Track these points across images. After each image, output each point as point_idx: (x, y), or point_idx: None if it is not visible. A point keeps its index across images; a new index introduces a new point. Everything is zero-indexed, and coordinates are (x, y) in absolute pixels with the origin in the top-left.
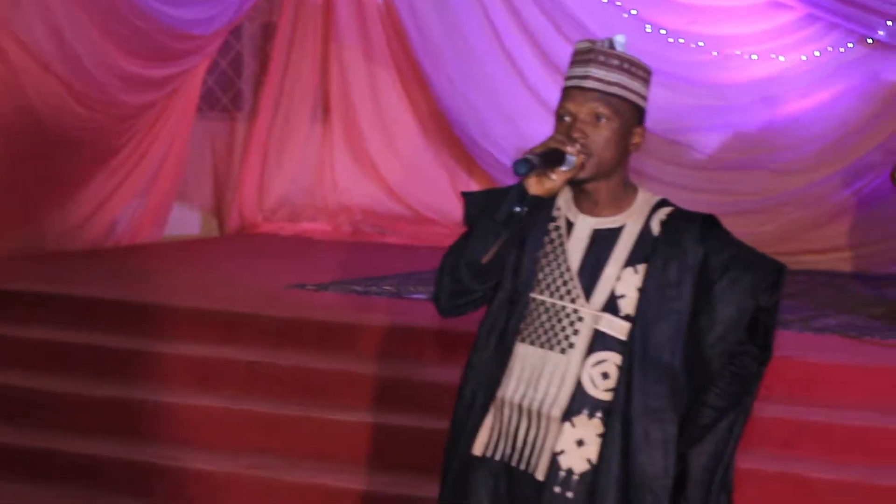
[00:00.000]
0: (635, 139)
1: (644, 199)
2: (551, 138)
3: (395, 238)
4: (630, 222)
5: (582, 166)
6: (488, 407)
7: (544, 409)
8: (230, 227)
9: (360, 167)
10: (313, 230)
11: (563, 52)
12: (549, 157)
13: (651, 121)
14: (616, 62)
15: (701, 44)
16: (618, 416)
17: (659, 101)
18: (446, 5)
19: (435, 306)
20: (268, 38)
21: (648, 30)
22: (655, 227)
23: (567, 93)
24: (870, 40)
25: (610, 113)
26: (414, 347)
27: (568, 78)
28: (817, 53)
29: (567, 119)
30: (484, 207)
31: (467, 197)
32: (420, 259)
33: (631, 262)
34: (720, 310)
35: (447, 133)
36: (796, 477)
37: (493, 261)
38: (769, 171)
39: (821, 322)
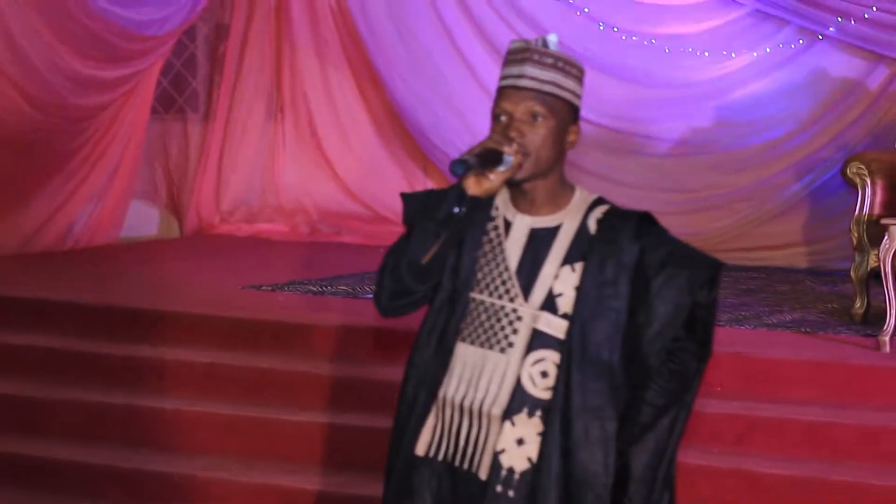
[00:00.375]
0: (571, 137)
1: (581, 198)
2: (488, 138)
3: (351, 237)
4: (567, 221)
5: (519, 166)
6: (430, 406)
7: (485, 409)
8: (187, 229)
9: (316, 167)
10: (270, 231)
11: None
12: (487, 158)
13: (604, 118)
14: (551, 61)
15: (653, 41)
16: (557, 414)
17: (612, 99)
18: (397, 4)
19: (375, 305)
20: (221, 38)
21: (601, 27)
22: (592, 226)
23: (502, 92)
24: (820, 37)
25: (546, 112)
26: (369, 347)
27: (503, 78)
28: (768, 50)
29: (503, 118)
30: (423, 208)
31: (406, 198)
32: (376, 258)
33: (568, 260)
34: (657, 307)
35: (402, 131)
36: (749, 472)
37: (432, 261)
38: (721, 167)
39: (775, 318)
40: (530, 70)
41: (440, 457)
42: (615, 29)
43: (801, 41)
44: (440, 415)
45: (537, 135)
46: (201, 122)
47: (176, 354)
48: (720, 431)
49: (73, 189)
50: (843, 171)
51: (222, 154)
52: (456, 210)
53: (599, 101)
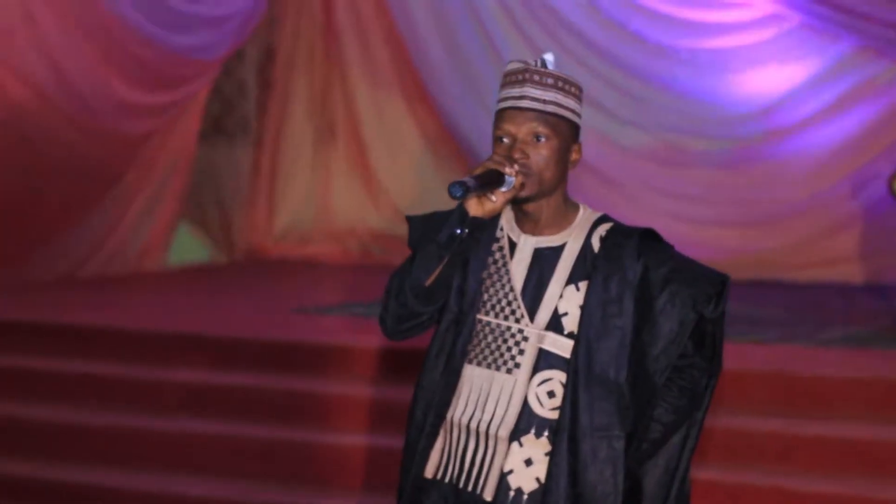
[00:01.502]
0: (573, 156)
1: (585, 216)
2: (490, 159)
3: (402, 260)
4: (571, 240)
5: (522, 186)
6: (439, 428)
7: (492, 430)
8: (238, 253)
9: (367, 189)
10: (322, 253)
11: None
12: (487, 179)
13: (657, 131)
14: (551, 81)
15: (706, 57)
16: (564, 434)
17: (663, 113)
18: (447, 26)
19: (381, 329)
20: (271, 61)
21: (650, 46)
22: (596, 244)
23: (503, 114)
24: (874, 50)
25: (549, 132)
26: (413, 370)
27: (503, 99)
28: (821, 63)
29: (506, 140)
30: (426, 230)
31: (410, 220)
32: None
33: (572, 279)
34: (661, 325)
35: (454, 153)
36: (791, 490)
37: (436, 283)
38: (774, 182)
39: (825, 334)
40: (531, 91)
41: (446, 479)
42: (663, 45)
43: (854, 54)
44: (448, 437)
45: (541, 155)
46: (252, 145)
47: (218, 378)
48: (763, 449)
49: (119, 214)
50: (890, 185)
51: (273, 177)
52: (458, 231)
53: (651, 115)
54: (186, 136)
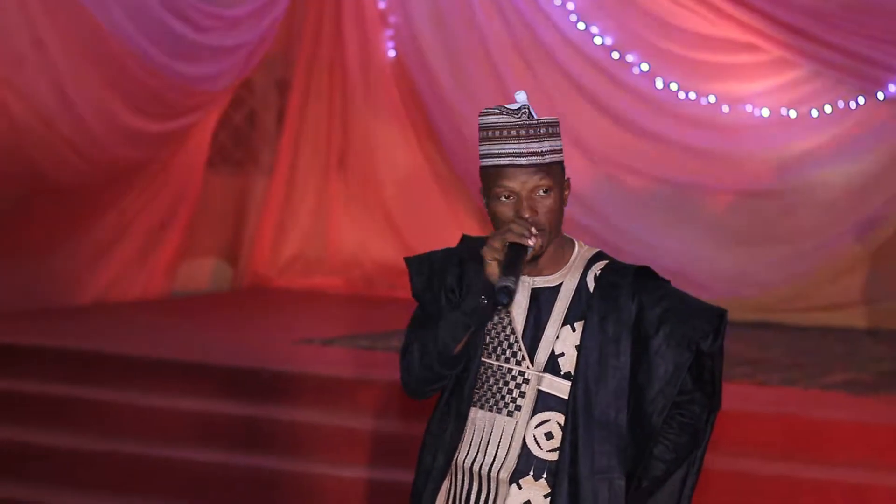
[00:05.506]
0: (566, 192)
1: (580, 254)
2: (508, 230)
3: (407, 293)
4: (567, 279)
5: (540, 247)
6: (446, 473)
7: (493, 472)
8: (244, 282)
9: (374, 221)
10: (326, 285)
11: (577, 109)
12: (515, 258)
13: (662, 176)
14: (544, 130)
15: (712, 99)
16: (564, 475)
17: (669, 156)
18: (455, 59)
19: (405, 389)
20: (281, 93)
21: (660, 85)
22: (591, 283)
23: (501, 171)
24: (881, 95)
25: (552, 183)
26: (416, 403)
27: (496, 155)
28: (828, 108)
29: (510, 198)
30: (429, 276)
31: (409, 263)
32: None
33: (568, 319)
34: (657, 366)
35: (461, 186)
36: None
37: (463, 349)
38: (780, 225)
39: (828, 378)
40: (529, 146)
41: None
42: (673, 86)
43: (860, 98)
44: (453, 480)
45: (547, 208)
46: (260, 175)
47: (221, 407)
48: (765, 492)
49: (117, 241)
50: None
51: (280, 208)
52: (484, 300)
53: (655, 158)
54: (193, 165)
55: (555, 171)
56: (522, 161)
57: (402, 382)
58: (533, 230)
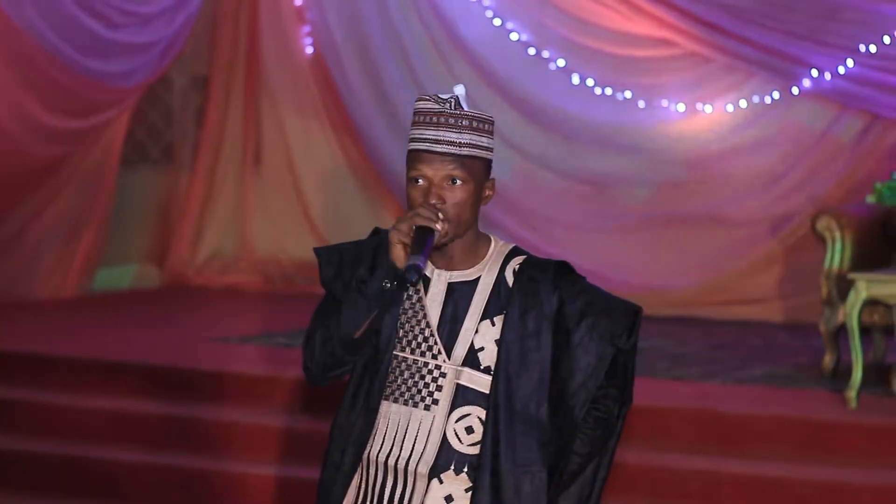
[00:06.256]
0: (487, 192)
1: (497, 249)
2: (416, 214)
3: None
4: (485, 273)
5: (445, 234)
6: (356, 467)
7: (411, 466)
8: (162, 280)
9: (291, 218)
10: (244, 282)
11: (494, 105)
12: (422, 240)
13: (578, 171)
14: (466, 122)
15: (628, 94)
16: (486, 470)
17: (585, 152)
18: (371, 57)
19: (306, 376)
20: (198, 89)
21: (576, 81)
22: (510, 278)
23: (419, 155)
24: (795, 90)
25: (465, 175)
26: (331, 400)
27: (417, 140)
28: (743, 103)
29: (422, 182)
30: (339, 266)
31: (319, 254)
32: None
33: (487, 314)
34: (578, 358)
35: (378, 183)
36: None
37: (364, 333)
38: (695, 221)
39: (745, 372)
40: (446, 134)
41: None
42: (589, 82)
43: (775, 94)
44: (364, 474)
45: (457, 199)
46: (176, 172)
47: (137, 406)
48: (685, 486)
49: (21, 236)
50: (813, 226)
51: (197, 205)
52: (387, 284)
53: (571, 153)
54: (107, 162)
55: (471, 165)
56: (438, 148)
57: (304, 368)
58: (440, 216)
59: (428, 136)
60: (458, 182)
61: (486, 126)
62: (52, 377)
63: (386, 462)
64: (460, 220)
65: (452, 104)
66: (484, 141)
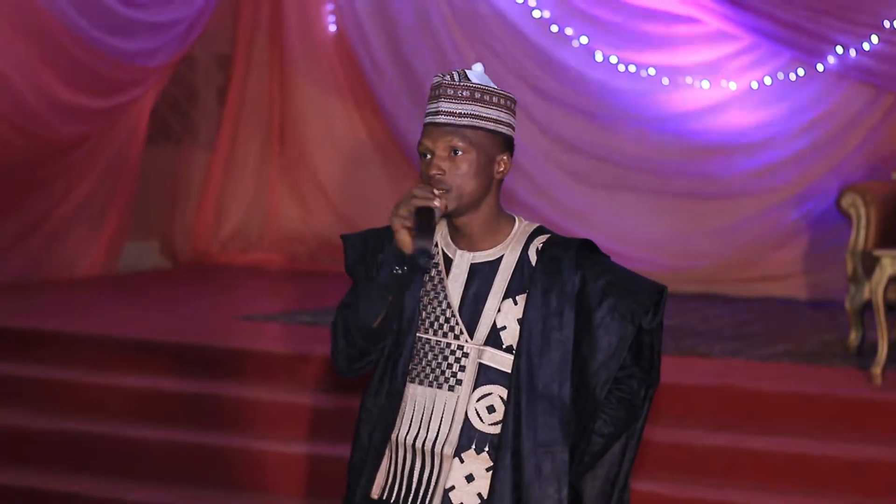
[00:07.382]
0: (500, 167)
1: (521, 229)
2: (413, 196)
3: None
4: (507, 253)
5: (445, 207)
6: (384, 450)
7: (437, 448)
8: (185, 258)
9: (316, 196)
10: (268, 260)
11: (516, 84)
12: (425, 221)
13: (601, 150)
14: (466, 93)
15: (652, 71)
16: (507, 449)
17: (609, 131)
18: (396, 33)
19: (336, 368)
20: (222, 68)
21: (599, 58)
22: (533, 256)
23: (424, 129)
24: (820, 67)
25: (465, 145)
26: (357, 379)
27: (426, 114)
28: (768, 80)
29: (428, 156)
30: (362, 252)
31: (346, 241)
32: None
33: (510, 293)
34: (600, 338)
35: (403, 160)
36: None
37: (384, 321)
38: (720, 197)
39: (769, 349)
40: (445, 105)
41: (392, 499)
42: (613, 59)
43: (800, 71)
44: (393, 457)
45: (459, 169)
46: (200, 151)
47: (162, 384)
48: (708, 463)
49: (49, 217)
50: (838, 202)
51: (221, 183)
52: (398, 270)
53: (594, 132)
54: (131, 141)
55: (474, 138)
56: (438, 119)
57: (333, 360)
58: (435, 191)
59: (431, 109)
60: (459, 153)
61: (496, 99)
62: (79, 356)
63: (413, 444)
64: (462, 192)
65: (457, 77)
66: (491, 113)
